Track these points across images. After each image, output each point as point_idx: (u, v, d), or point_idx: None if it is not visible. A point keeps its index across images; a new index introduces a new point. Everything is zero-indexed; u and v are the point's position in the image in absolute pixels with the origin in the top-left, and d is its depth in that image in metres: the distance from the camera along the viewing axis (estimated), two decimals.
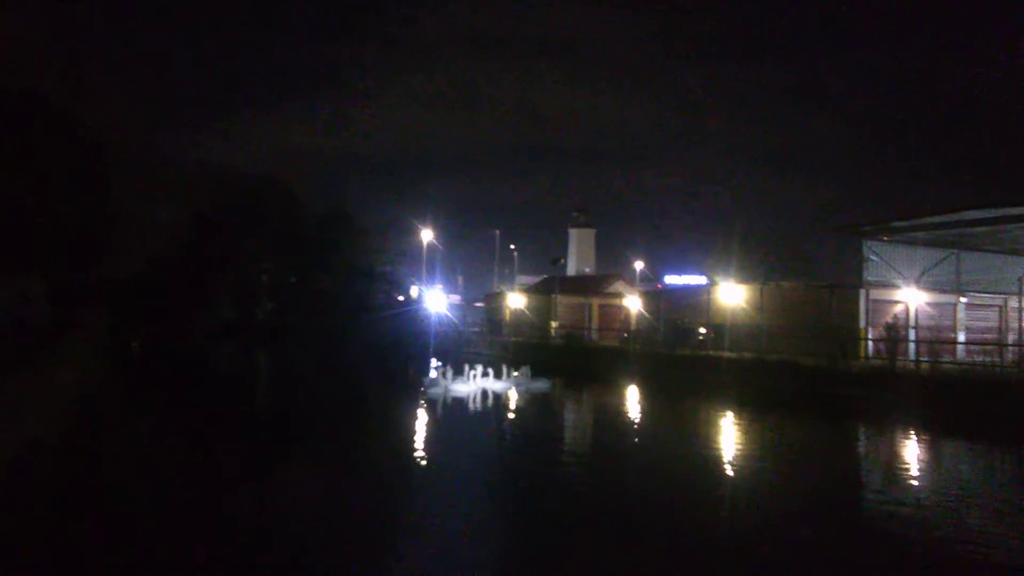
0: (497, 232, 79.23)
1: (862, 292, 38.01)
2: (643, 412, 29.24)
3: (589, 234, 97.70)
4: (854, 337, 36.68)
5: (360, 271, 61.58)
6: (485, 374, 32.30)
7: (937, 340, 35.66)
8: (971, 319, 40.45)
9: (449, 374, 31.61)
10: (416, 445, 20.34)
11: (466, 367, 32.10)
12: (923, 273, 39.93)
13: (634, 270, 73.14)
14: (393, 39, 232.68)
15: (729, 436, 23.40)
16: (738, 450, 20.77)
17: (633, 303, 51.19)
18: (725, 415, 27.28)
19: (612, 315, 56.86)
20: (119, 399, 27.72)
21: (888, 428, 24.87)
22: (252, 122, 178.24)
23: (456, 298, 79.91)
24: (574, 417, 28.81)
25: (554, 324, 55.49)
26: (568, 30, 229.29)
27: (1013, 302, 40.37)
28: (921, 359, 32.51)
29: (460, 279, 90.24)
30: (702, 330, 43.28)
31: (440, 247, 66.87)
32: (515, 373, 33.15)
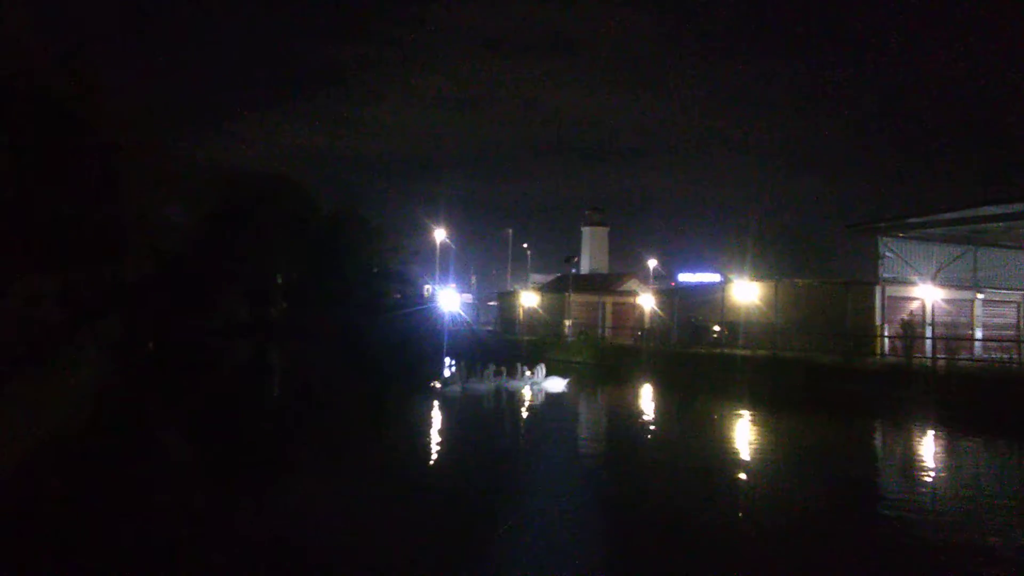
0: (510, 231, 79.27)
1: (878, 289, 37.82)
2: (659, 410, 29.13)
3: (602, 232, 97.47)
4: (870, 334, 36.49)
5: (373, 270, 61.71)
6: (500, 373, 32.28)
7: (954, 337, 35.45)
8: (988, 315, 40.17)
9: (464, 373, 31.60)
10: (439, 444, 20.34)
11: (480, 366, 32.09)
12: (939, 269, 39.71)
13: (648, 268, 73.02)
14: (400, 39, 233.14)
15: (746, 434, 23.29)
16: (756, 448, 20.65)
17: (647, 301, 51.07)
18: (741, 413, 27.16)
19: (626, 313, 56.75)
20: (135, 398, 27.77)
21: (905, 425, 24.70)
22: (261, 123, 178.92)
23: (468, 297, 80.00)
24: (593, 416, 28.75)
25: (568, 323, 55.42)
26: (578, 28, 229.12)
27: None
28: (938, 356, 32.28)
29: (474, 278, 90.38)
30: (716, 328, 43.14)
31: (453, 246, 66.96)
32: (530, 372, 33.11)
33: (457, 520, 12.73)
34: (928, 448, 21.39)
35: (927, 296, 37.69)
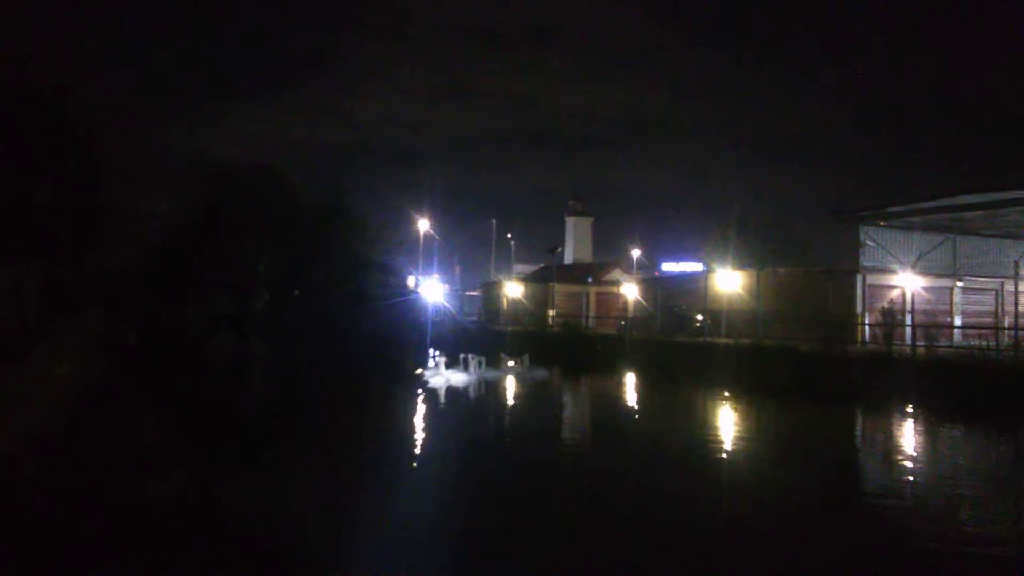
0: (494, 221, 79.16)
1: (858, 277, 38.05)
2: (641, 399, 29.30)
3: (586, 222, 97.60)
4: (851, 322, 36.73)
5: (357, 261, 61.56)
6: (483, 363, 32.36)
7: (933, 324, 35.66)
8: (967, 303, 40.51)
9: (447, 363, 31.64)
10: (422, 435, 20.37)
11: (463, 356, 32.14)
12: (919, 258, 40.00)
13: (631, 258, 73.19)
14: (385, 29, 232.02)
15: (728, 421, 23.45)
16: (737, 435, 20.81)
17: (630, 291, 51.21)
18: (723, 401, 27.34)
19: (609, 303, 56.91)
20: (116, 390, 27.69)
21: (884, 413, 24.90)
22: (246, 114, 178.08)
23: (446, 287, 79.93)
24: (575, 405, 28.86)
25: (551, 313, 55.53)
26: (562, 17, 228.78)
27: (1009, 286, 40.43)
28: (917, 343, 32.50)
29: (458, 268, 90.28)
30: (699, 317, 43.32)
31: (437, 236, 66.88)
32: (513, 362, 33.19)
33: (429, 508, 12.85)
34: (906, 434, 21.62)
35: (907, 284, 37.94)
